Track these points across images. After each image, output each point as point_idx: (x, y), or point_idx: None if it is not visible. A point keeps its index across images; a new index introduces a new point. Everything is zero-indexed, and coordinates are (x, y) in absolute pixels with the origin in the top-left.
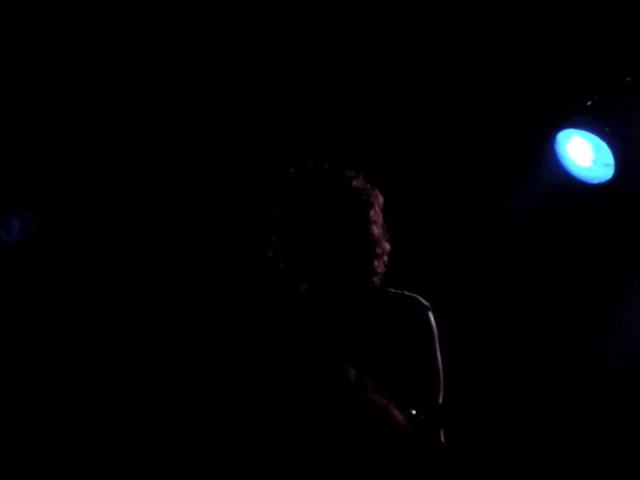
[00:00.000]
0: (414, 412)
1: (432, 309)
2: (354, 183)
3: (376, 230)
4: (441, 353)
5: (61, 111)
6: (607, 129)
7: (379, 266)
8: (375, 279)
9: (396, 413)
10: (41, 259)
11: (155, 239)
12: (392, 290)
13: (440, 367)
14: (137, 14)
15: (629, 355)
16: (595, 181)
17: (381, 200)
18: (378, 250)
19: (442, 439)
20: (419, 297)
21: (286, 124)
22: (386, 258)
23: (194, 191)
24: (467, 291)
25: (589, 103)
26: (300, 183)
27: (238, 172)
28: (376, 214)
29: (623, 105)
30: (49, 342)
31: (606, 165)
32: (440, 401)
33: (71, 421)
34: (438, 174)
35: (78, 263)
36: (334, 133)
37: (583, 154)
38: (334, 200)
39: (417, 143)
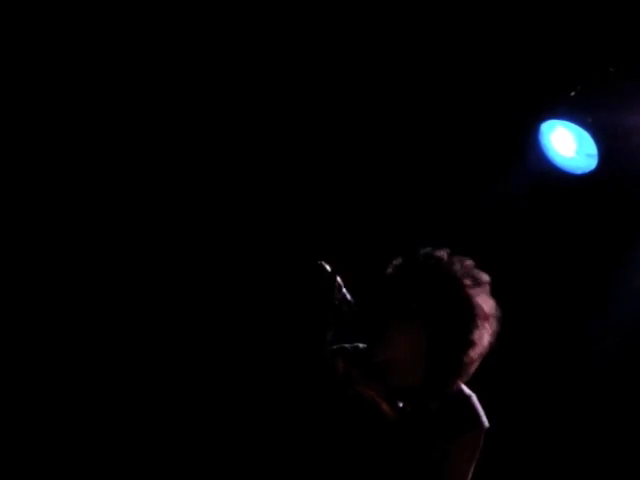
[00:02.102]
0: (401, 404)
1: (486, 429)
2: (466, 289)
3: (474, 353)
4: None
5: (61, 111)
6: (590, 120)
7: (462, 379)
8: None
9: (384, 405)
10: (40, 259)
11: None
12: (465, 392)
13: None
14: (137, 14)
15: (613, 344)
16: (579, 171)
17: (488, 286)
18: (467, 371)
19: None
20: (483, 415)
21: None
22: (478, 362)
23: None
24: None
25: (572, 94)
26: (407, 280)
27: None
28: (483, 330)
29: (606, 96)
30: (49, 342)
31: (589, 155)
32: None
33: (70, 421)
34: (422, 167)
35: (78, 264)
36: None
37: (567, 144)
38: (438, 310)
39: (399, 137)
